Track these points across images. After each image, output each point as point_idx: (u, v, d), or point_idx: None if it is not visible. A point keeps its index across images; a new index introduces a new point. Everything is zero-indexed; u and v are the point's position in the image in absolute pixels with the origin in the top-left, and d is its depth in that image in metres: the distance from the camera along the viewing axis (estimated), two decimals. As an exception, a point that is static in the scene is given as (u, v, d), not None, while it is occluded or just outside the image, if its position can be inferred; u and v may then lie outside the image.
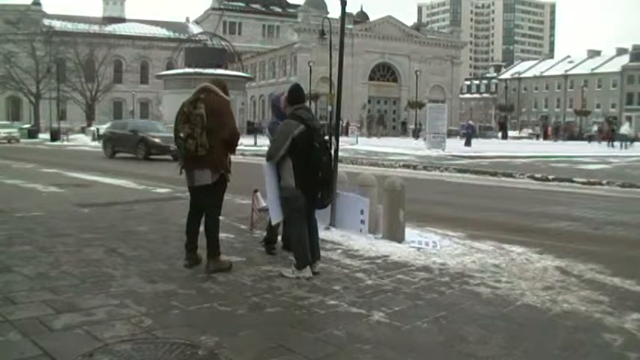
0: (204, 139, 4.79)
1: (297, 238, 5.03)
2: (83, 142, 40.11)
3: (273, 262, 5.44)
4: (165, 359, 3.17)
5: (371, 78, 67.58)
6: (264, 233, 6.14)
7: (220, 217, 5.23)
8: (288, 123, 4.97)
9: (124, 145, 22.75)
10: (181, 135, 4.87)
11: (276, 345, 3.41)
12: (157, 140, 21.38)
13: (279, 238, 6.03)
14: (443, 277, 5.10)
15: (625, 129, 38.53)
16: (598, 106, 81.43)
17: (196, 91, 5.03)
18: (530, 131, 60.38)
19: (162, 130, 23.12)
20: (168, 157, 20.25)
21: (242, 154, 21.67)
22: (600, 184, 14.51)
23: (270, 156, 4.98)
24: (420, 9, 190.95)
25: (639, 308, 4.32)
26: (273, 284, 4.72)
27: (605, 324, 3.98)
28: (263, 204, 6.85)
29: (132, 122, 27.73)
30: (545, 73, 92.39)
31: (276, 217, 5.21)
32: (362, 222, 6.70)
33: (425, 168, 18.88)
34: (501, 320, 4.03)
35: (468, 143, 33.58)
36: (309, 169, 4.92)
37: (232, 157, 5.25)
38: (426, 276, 5.13)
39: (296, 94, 5.20)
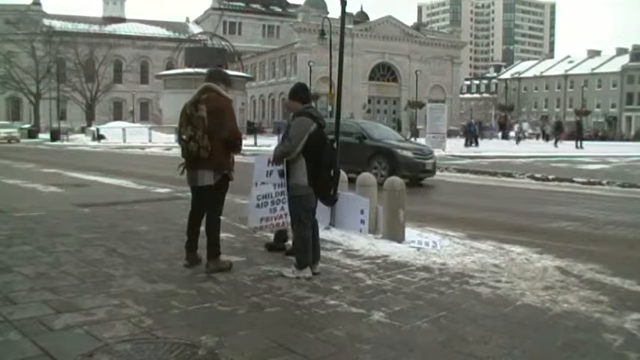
0: (205, 142, 4.79)
1: (303, 238, 5.00)
2: (83, 142, 40.11)
3: (273, 262, 5.43)
4: (165, 359, 3.17)
5: (371, 78, 67.58)
6: (265, 233, 6.12)
7: (220, 217, 5.23)
8: (302, 120, 4.90)
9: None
10: (184, 137, 4.88)
11: (276, 345, 3.41)
12: (407, 154, 13.99)
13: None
14: (443, 277, 5.10)
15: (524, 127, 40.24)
16: (598, 106, 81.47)
17: (198, 91, 5.02)
18: (530, 131, 60.46)
19: (403, 138, 16.15)
20: (419, 175, 14.24)
21: (242, 154, 21.64)
22: (600, 184, 14.51)
23: (286, 152, 4.89)
24: (420, 9, 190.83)
25: (639, 308, 4.32)
26: (273, 284, 4.72)
27: (605, 324, 3.98)
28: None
29: (350, 123, 15.98)
30: (545, 73, 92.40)
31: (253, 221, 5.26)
32: (362, 222, 6.70)
33: (425, 168, 18.81)
34: (501, 320, 4.03)
35: (474, 143, 33.52)
36: (322, 167, 4.91)
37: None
38: (426, 276, 5.13)
39: (306, 93, 5.20)
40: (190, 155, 4.88)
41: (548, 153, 27.34)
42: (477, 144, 33.03)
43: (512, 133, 51.16)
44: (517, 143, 37.76)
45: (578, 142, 34.01)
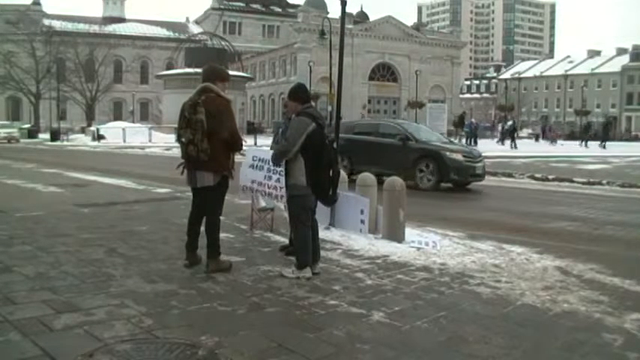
0: (205, 145, 4.77)
1: (302, 238, 5.00)
2: (83, 142, 40.11)
3: (273, 262, 5.43)
4: (165, 359, 3.17)
5: (371, 78, 67.59)
6: (265, 233, 6.14)
7: (220, 218, 5.23)
8: (301, 120, 4.90)
9: (379, 161, 13.31)
10: (183, 140, 4.87)
11: (276, 345, 3.41)
12: (457, 157, 12.97)
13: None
14: (443, 277, 5.10)
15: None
16: (598, 106, 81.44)
17: (196, 92, 5.00)
18: (530, 131, 60.62)
19: (447, 140, 15.06)
20: (469, 179, 13.25)
21: (242, 154, 21.61)
22: (600, 184, 14.51)
23: (284, 152, 4.90)
24: (420, 9, 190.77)
25: (639, 308, 4.32)
26: (273, 284, 4.71)
27: (605, 324, 3.98)
28: (263, 204, 6.86)
29: (391, 124, 15.62)
30: (545, 73, 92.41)
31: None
32: (362, 222, 6.70)
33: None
34: (501, 320, 4.02)
35: (475, 142, 33.57)
36: (321, 167, 4.90)
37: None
38: (426, 276, 5.13)
39: (306, 93, 5.19)
40: (190, 158, 4.88)
41: (569, 153, 27.46)
42: (514, 146, 32.22)
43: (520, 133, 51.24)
44: (553, 144, 37.94)
45: (603, 143, 34.66)
